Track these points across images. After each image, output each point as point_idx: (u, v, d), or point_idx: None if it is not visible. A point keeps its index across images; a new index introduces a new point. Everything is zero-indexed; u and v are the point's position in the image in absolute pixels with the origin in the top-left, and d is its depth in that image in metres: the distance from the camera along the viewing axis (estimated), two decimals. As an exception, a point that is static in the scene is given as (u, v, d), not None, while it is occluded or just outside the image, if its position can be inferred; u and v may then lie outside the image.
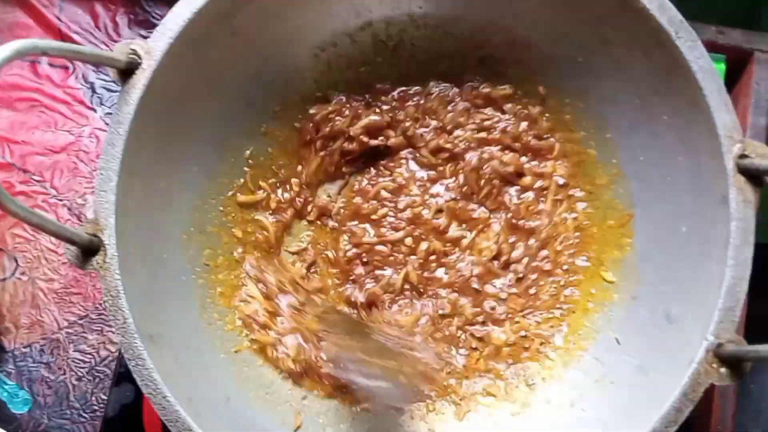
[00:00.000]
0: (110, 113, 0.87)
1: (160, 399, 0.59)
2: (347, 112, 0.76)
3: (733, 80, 0.82)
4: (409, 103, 0.77)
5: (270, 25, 0.69)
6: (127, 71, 0.60)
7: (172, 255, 0.67)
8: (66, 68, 0.91)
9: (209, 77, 0.67)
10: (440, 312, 0.75)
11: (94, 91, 0.90)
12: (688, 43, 0.61)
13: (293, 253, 0.76)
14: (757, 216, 0.59)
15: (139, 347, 0.59)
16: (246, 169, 0.75)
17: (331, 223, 0.77)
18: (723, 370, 0.59)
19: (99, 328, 0.83)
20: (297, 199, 0.76)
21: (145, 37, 0.75)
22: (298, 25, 0.71)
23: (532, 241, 0.75)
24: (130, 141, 0.61)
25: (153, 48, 0.61)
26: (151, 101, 0.61)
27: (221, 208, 0.73)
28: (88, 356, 0.83)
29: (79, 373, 0.82)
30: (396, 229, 0.77)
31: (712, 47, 0.73)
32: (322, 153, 0.77)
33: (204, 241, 0.71)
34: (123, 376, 0.80)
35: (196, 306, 0.68)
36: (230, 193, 0.74)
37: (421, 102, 0.77)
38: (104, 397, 0.80)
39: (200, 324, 0.68)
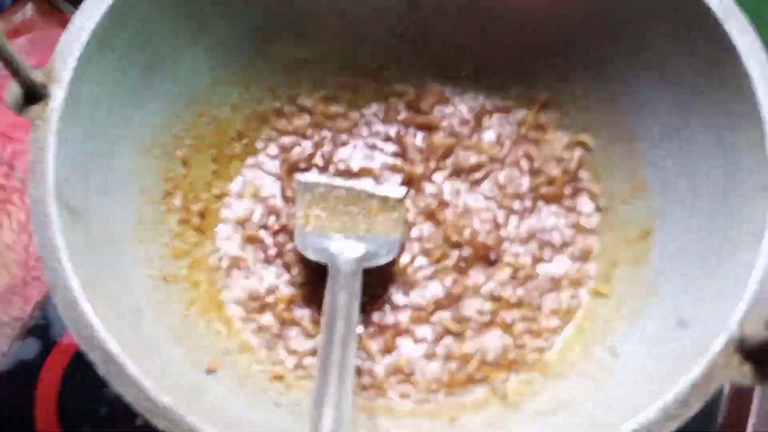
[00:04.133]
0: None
1: (52, 260, 0.49)
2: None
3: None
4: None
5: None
6: None
7: (126, 153, 0.59)
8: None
9: None
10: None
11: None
12: (738, 27, 0.55)
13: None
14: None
15: (50, 204, 0.50)
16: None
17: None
18: (746, 366, 0.47)
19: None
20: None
21: None
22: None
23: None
24: (115, 8, 0.55)
25: None
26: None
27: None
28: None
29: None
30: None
31: None
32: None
33: (166, 165, 0.63)
34: (32, 330, 0.68)
35: (133, 217, 0.59)
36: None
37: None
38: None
39: (132, 235, 0.58)
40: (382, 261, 0.62)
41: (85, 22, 0.55)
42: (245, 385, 0.56)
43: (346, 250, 0.63)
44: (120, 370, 0.47)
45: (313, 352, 0.62)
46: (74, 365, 0.67)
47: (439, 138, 0.69)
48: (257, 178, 0.68)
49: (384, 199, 0.66)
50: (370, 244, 0.63)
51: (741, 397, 0.69)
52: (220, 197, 0.66)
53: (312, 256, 0.62)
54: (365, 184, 0.68)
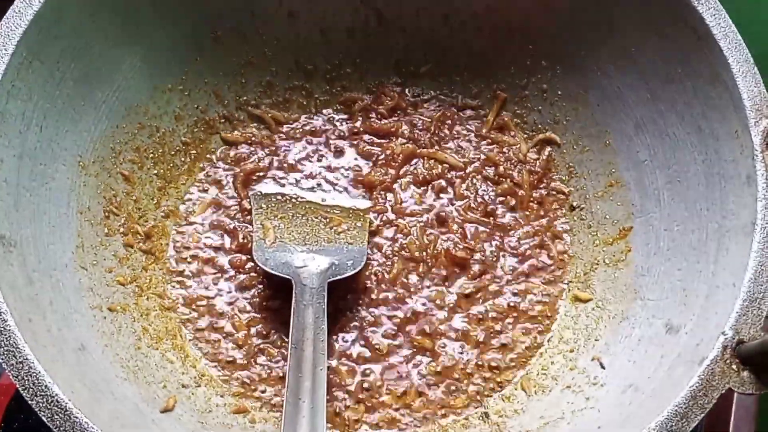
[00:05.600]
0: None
1: (-14, 302, 0.44)
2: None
3: None
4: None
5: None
6: None
7: (61, 174, 0.54)
8: None
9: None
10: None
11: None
12: (711, 11, 0.52)
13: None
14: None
15: (-21, 234, 0.45)
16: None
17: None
18: (745, 373, 0.44)
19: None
20: None
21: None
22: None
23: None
24: (43, 17, 0.51)
25: None
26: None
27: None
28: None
29: None
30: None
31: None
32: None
33: (105, 183, 0.58)
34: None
35: (73, 242, 0.54)
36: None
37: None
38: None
39: (72, 261, 0.53)
40: (348, 273, 0.58)
41: (10, 32, 0.50)
42: (206, 422, 0.52)
43: (310, 263, 0.58)
44: (66, 418, 0.42)
45: (278, 380, 0.57)
46: (16, 406, 0.61)
47: (398, 145, 0.65)
48: (209, 194, 0.63)
49: (346, 209, 0.62)
50: (335, 256, 0.59)
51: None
52: (168, 216, 0.62)
53: (273, 270, 0.57)
54: (325, 195, 0.64)
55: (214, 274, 0.61)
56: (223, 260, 0.61)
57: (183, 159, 0.63)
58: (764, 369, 0.44)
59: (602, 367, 0.53)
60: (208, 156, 0.64)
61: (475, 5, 0.63)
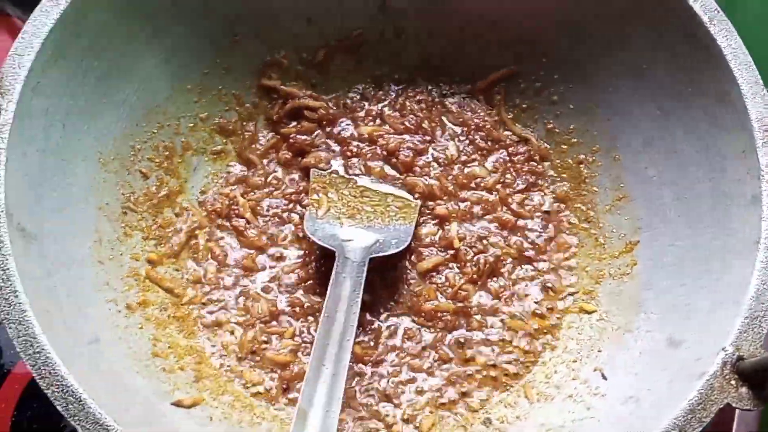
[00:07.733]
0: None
1: (7, 291, 0.45)
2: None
3: None
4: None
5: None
6: None
7: (83, 168, 0.56)
8: None
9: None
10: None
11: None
12: (723, 31, 0.53)
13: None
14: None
15: (1, 228, 0.46)
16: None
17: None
18: (743, 389, 0.45)
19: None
20: None
21: None
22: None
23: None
24: (68, 16, 0.52)
25: None
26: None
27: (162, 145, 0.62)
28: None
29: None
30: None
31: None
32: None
33: (124, 180, 0.59)
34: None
35: (90, 237, 0.55)
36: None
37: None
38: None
39: (89, 256, 0.54)
40: (391, 251, 0.60)
41: (37, 30, 0.51)
42: (214, 417, 0.53)
43: (356, 237, 0.61)
44: (81, 408, 0.43)
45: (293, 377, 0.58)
46: (29, 395, 0.63)
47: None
48: (224, 192, 0.65)
49: (398, 196, 0.64)
50: (381, 234, 0.62)
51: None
52: (181, 214, 0.63)
53: (320, 241, 0.60)
54: (379, 185, 0.65)
55: (230, 276, 0.62)
56: (237, 255, 0.63)
57: (200, 158, 0.65)
58: (762, 385, 0.45)
59: (604, 378, 0.54)
60: (224, 157, 0.66)
61: (490, 17, 0.64)
